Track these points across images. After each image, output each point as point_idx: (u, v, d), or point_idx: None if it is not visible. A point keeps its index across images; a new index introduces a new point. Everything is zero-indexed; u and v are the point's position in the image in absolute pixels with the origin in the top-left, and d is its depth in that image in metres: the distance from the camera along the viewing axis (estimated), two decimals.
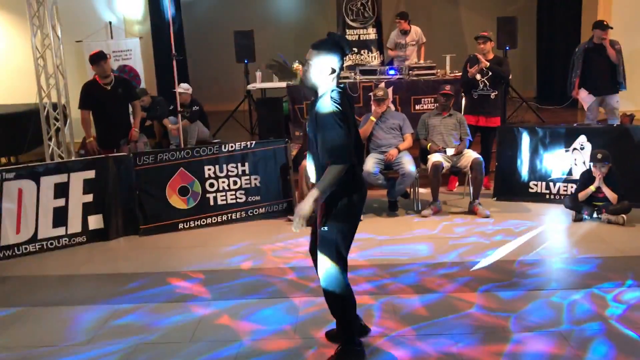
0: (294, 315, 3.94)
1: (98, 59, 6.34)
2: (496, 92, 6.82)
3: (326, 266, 3.15)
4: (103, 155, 6.01)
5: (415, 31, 8.83)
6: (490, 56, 6.80)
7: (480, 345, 3.44)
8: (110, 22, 9.76)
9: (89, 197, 5.74)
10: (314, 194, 3.03)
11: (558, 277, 4.49)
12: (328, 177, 3.00)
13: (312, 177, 3.25)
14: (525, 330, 3.58)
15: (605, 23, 7.20)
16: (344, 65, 3.38)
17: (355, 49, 9.50)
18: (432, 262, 4.80)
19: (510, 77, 8.52)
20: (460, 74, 7.32)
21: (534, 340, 3.47)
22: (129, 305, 4.22)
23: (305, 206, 3.03)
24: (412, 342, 3.51)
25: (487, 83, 6.77)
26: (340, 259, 3.15)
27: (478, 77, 6.76)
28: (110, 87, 6.39)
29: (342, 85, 3.23)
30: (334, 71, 3.14)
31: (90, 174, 5.74)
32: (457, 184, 7.14)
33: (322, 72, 3.13)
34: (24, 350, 3.65)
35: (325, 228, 3.12)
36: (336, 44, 3.14)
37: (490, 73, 6.74)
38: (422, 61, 8.71)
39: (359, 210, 3.23)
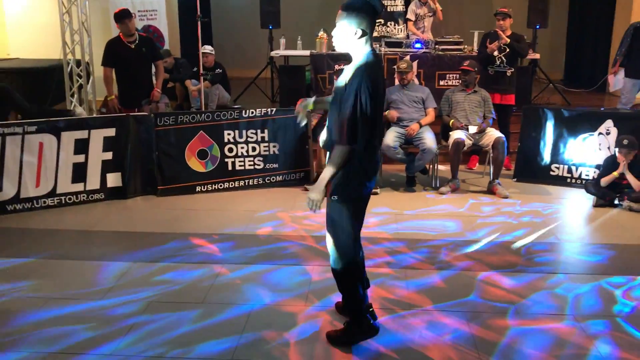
0: (308, 282, 3.95)
1: (123, 17, 6.31)
2: (512, 70, 6.77)
3: (333, 244, 3.09)
4: (124, 114, 6.01)
5: (433, 1, 8.63)
6: (508, 33, 6.73)
7: (492, 325, 3.43)
8: None
9: (109, 155, 5.76)
10: (324, 177, 2.96)
11: (570, 265, 4.37)
12: (335, 159, 2.92)
13: (321, 143, 3.19)
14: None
15: None
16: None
17: (382, 21, 9.33)
18: (452, 240, 4.76)
19: (536, 55, 8.39)
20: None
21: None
22: (143, 263, 4.27)
23: (317, 191, 2.98)
24: (424, 319, 3.50)
25: (504, 60, 6.71)
26: (349, 238, 3.06)
27: (496, 53, 6.71)
28: (134, 46, 6.37)
29: (376, 51, 3.05)
30: (365, 33, 2.95)
31: (111, 131, 5.75)
32: (477, 162, 7.06)
33: (352, 34, 2.95)
34: (42, 294, 3.72)
35: (335, 197, 3.01)
36: (366, 4, 2.94)
37: (507, 50, 6.68)
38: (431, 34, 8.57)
39: (369, 189, 3.11)
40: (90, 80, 7.91)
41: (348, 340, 3.21)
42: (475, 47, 8.35)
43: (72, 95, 7.76)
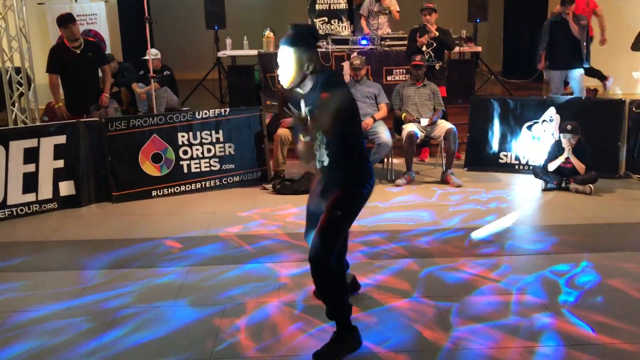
0: (279, 277, 3.98)
1: (66, 21, 6.15)
2: (440, 63, 7.02)
3: (321, 251, 3.00)
4: (74, 120, 5.86)
5: (384, 1, 8.75)
6: (434, 27, 6.94)
7: (471, 307, 3.55)
8: None
9: (60, 163, 5.60)
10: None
11: (523, 247, 4.53)
12: None
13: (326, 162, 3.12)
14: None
15: None
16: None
17: (326, 18, 9.41)
18: (431, 228, 4.88)
19: (478, 48, 8.64)
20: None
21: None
22: (107, 270, 4.19)
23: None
24: (399, 308, 3.59)
25: (432, 54, 6.94)
26: (337, 245, 3.06)
27: (424, 48, 6.91)
28: (79, 51, 6.22)
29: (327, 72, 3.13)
30: (315, 69, 2.98)
31: (61, 139, 5.59)
32: (428, 154, 7.24)
33: (305, 69, 2.97)
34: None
35: (339, 213, 3.01)
36: (310, 36, 3.01)
37: (435, 44, 6.92)
38: (389, 30, 8.71)
39: (365, 201, 3.18)
40: (32, 88, 7.64)
41: (336, 356, 3.06)
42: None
43: (13, 104, 7.47)
